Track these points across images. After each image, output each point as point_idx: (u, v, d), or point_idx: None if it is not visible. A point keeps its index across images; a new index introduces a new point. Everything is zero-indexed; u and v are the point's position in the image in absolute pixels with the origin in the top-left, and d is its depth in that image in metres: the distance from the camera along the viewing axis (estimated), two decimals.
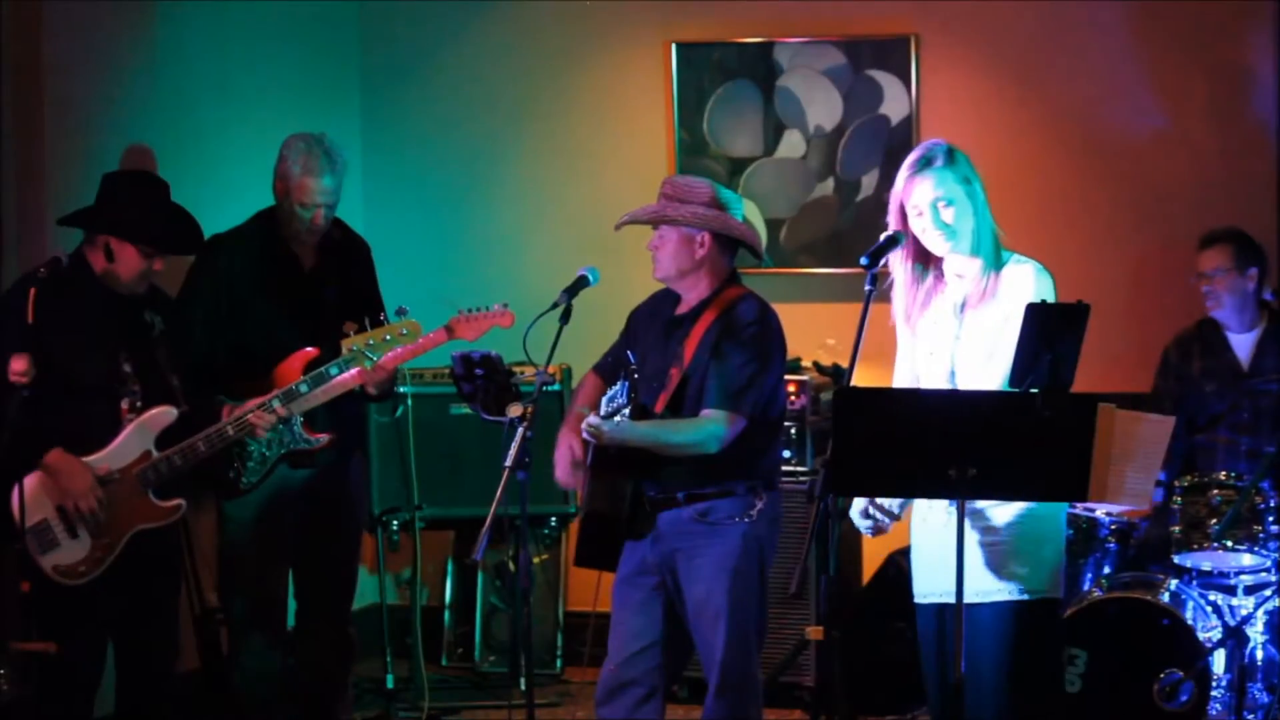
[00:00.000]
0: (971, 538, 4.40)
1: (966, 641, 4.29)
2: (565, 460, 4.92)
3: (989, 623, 4.41)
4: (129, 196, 5.17)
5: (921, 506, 4.56)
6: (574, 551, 5.07)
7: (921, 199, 4.48)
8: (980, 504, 4.42)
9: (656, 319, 5.04)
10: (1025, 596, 4.42)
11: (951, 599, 4.28)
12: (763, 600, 4.93)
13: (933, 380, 4.54)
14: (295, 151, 5.49)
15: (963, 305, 4.52)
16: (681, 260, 4.92)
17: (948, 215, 4.47)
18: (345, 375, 5.33)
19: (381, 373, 5.37)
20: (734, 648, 4.84)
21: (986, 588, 4.42)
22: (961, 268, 4.54)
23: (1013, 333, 4.22)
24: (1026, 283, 4.45)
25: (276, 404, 5.23)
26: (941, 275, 4.57)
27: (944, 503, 4.45)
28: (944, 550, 4.37)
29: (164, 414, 5.13)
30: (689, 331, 4.91)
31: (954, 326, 4.52)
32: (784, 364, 5.00)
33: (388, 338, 5.21)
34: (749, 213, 7.10)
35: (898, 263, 4.57)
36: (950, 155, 4.51)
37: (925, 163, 4.49)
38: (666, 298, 5.07)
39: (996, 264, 4.50)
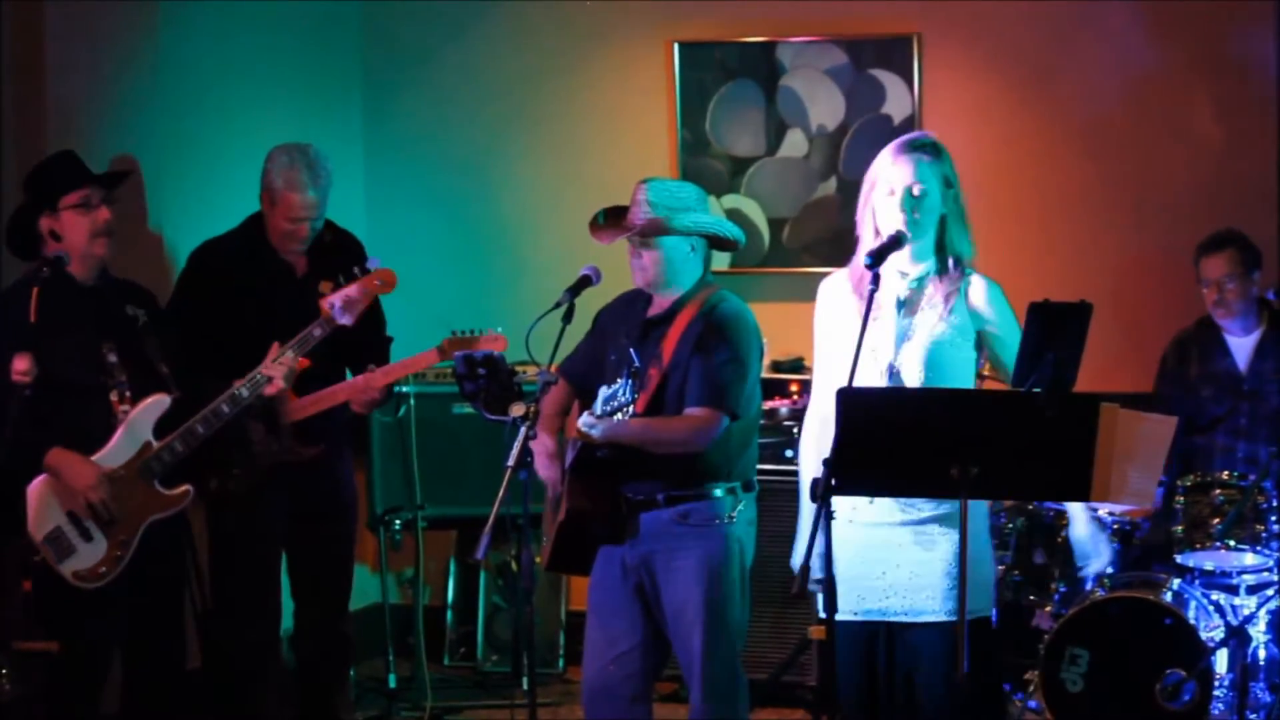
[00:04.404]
0: (912, 554, 4.35)
1: (908, 663, 4.30)
2: (543, 454, 4.89)
3: (937, 644, 4.32)
4: (43, 174, 5.19)
5: (845, 504, 4.36)
6: (547, 555, 4.96)
7: (898, 179, 4.41)
8: (920, 518, 4.36)
9: (627, 319, 5.00)
10: (971, 615, 4.24)
11: (891, 618, 4.30)
12: (743, 601, 4.91)
13: (868, 378, 4.38)
14: (278, 165, 5.48)
15: (901, 304, 4.43)
16: (677, 269, 4.91)
17: (918, 205, 4.38)
18: (337, 388, 5.42)
19: (371, 393, 5.40)
20: (719, 649, 4.82)
21: (934, 607, 4.34)
22: (907, 265, 4.44)
23: (968, 347, 4.29)
24: (981, 295, 4.41)
25: (289, 354, 5.23)
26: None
27: (883, 501, 4.36)
28: (882, 556, 4.32)
29: (157, 403, 5.13)
30: (666, 331, 4.87)
31: (894, 325, 4.42)
32: (761, 363, 4.99)
33: (364, 290, 5.25)
34: (751, 211, 7.10)
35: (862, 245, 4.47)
36: (938, 151, 4.44)
37: (915, 147, 4.43)
38: (636, 298, 5.03)
39: (944, 271, 4.42)
